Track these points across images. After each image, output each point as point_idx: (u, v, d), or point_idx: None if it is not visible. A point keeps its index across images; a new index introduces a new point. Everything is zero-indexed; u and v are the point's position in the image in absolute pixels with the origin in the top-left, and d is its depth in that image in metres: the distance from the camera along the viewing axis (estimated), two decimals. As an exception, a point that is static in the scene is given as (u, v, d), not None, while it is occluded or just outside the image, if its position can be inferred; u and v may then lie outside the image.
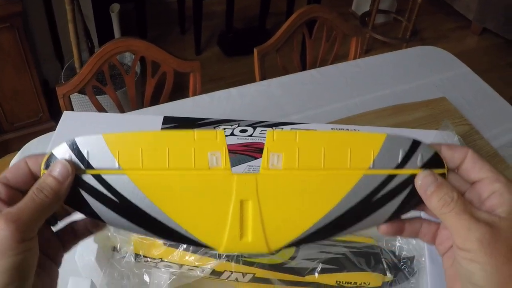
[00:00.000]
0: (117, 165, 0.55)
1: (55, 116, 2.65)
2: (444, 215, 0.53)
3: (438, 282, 0.91)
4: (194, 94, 1.82)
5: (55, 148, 0.54)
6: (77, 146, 0.54)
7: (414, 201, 0.57)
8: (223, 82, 3.34)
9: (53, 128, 1.30)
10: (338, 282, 0.92)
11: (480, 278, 0.51)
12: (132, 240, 0.87)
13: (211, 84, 3.28)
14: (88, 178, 0.54)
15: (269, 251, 0.57)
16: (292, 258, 0.90)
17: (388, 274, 0.95)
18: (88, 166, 0.55)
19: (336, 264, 0.92)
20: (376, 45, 3.88)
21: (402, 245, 1.00)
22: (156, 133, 0.56)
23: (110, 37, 2.94)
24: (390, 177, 0.56)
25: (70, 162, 0.54)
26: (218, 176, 0.56)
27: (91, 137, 0.55)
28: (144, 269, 0.90)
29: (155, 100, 1.81)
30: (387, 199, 0.56)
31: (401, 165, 0.56)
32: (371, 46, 3.88)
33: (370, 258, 0.95)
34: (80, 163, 0.54)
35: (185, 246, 0.86)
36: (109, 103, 2.35)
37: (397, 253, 0.99)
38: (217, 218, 0.56)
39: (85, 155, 0.55)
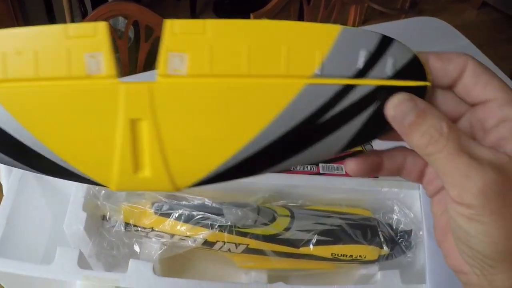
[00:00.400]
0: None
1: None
2: (431, 157, 0.39)
3: (436, 257, 0.88)
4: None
5: None
6: None
7: (382, 126, 0.42)
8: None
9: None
10: (333, 254, 0.90)
11: (482, 243, 0.38)
12: (122, 209, 0.85)
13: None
14: None
15: (175, 189, 0.43)
16: (287, 229, 0.88)
17: (385, 248, 0.93)
18: None
19: (331, 236, 0.90)
20: (374, 15, 3.83)
21: (400, 218, 0.97)
22: (20, 30, 0.39)
23: (103, 2, 2.91)
24: (346, 90, 0.40)
25: None
26: (100, 86, 0.40)
27: None
28: (134, 239, 0.88)
29: (149, 66, 1.78)
30: (341, 120, 0.41)
31: (362, 73, 0.40)
32: (369, 16, 3.83)
33: (366, 230, 0.93)
34: None
35: (176, 215, 0.84)
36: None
37: (394, 226, 0.97)
38: (103, 145, 0.41)
39: None
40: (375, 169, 0.45)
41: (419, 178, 0.46)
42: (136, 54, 1.85)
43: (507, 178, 0.37)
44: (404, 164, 0.46)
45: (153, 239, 0.87)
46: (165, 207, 0.85)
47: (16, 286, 0.87)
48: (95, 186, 0.81)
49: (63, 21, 2.53)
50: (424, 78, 0.41)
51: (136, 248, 0.87)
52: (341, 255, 0.90)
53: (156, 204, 0.85)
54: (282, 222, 0.88)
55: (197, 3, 3.57)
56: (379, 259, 0.93)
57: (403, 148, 0.46)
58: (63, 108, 0.40)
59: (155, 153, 0.41)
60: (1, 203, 0.88)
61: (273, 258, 0.88)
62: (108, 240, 0.86)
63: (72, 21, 2.33)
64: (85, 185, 0.84)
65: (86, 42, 0.39)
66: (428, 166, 0.45)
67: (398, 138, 0.42)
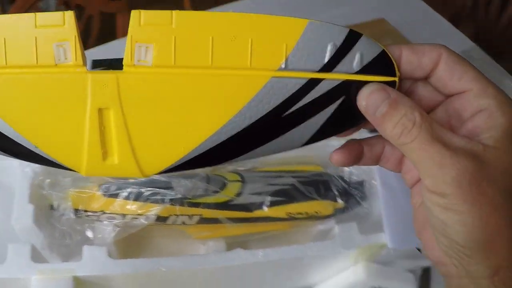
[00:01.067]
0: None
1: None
2: (405, 147, 0.40)
3: (391, 205, 0.89)
4: (124, 36, 1.76)
5: None
6: None
7: (348, 119, 0.44)
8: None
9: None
10: (288, 214, 0.90)
11: (458, 232, 0.38)
12: (69, 196, 0.83)
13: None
14: None
15: (143, 175, 0.46)
16: (239, 194, 0.88)
17: (339, 201, 0.93)
18: None
19: (284, 196, 0.90)
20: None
21: (352, 169, 0.98)
22: None
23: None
24: (312, 83, 0.42)
25: None
26: (68, 75, 0.42)
27: None
28: (86, 225, 0.86)
29: (84, 46, 1.76)
30: (306, 114, 0.43)
31: (328, 67, 0.41)
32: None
33: (319, 186, 0.93)
34: None
35: (125, 194, 0.83)
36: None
37: (346, 179, 0.97)
38: (72, 132, 0.43)
39: None
40: (356, 158, 0.47)
41: (398, 167, 0.48)
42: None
43: (481, 166, 0.38)
44: (383, 153, 0.47)
45: (105, 222, 0.85)
46: (113, 188, 0.84)
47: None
48: (39, 176, 0.80)
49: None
50: (393, 73, 0.42)
51: (89, 233, 0.86)
52: (296, 213, 0.90)
53: (103, 186, 0.84)
54: (233, 188, 0.88)
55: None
56: (335, 213, 0.94)
57: (381, 137, 0.45)
58: (32, 96, 0.42)
59: (122, 141, 0.44)
60: None
61: (228, 225, 0.88)
62: (59, 229, 0.84)
63: (2, 6, 2.27)
64: (28, 177, 0.83)
65: (54, 31, 0.40)
66: (405, 156, 0.45)
67: (373, 127, 0.43)
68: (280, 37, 0.40)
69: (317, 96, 0.42)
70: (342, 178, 0.96)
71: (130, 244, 0.90)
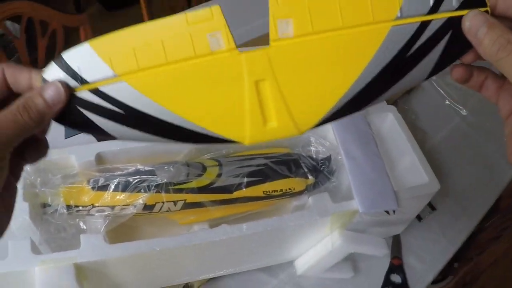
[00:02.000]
0: (112, 73, 0.49)
1: None
2: (501, 61, 0.46)
3: (358, 174, 0.96)
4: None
5: (45, 70, 0.50)
6: (66, 63, 0.49)
7: (457, 49, 0.51)
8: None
9: None
10: (265, 192, 0.96)
11: None
12: (61, 192, 0.88)
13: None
14: (86, 94, 0.50)
15: (299, 132, 0.53)
16: (219, 175, 0.94)
17: (310, 177, 1.00)
18: (83, 81, 0.50)
19: (260, 176, 0.96)
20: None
21: (318, 148, 1.04)
22: (145, 25, 0.49)
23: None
24: (424, 25, 0.49)
25: (64, 84, 0.49)
26: (224, 59, 0.49)
27: (78, 49, 0.49)
28: (77, 219, 0.91)
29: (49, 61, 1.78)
30: (424, 51, 0.50)
31: (434, 9, 0.49)
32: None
33: (290, 164, 1.00)
34: (74, 80, 0.49)
35: (113, 186, 0.88)
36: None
37: (314, 156, 1.04)
38: (234, 107, 0.51)
39: (77, 71, 0.49)
40: (468, 77, 0.53)
41: (495, 96, 0.54)
42: (34, 54, 1.84)
43: None
44: (485, 81, 0.53)
45: (96, 214, 0.90)
46: (101, 181, 0.88)
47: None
48: (31, 175, 0.84)
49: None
50: (485, 5, 0.49)
51: (82, 226, 0.90)
52: (272, 191, 0.97)
53: (92, 180, 0.89)
54: (212, 171, 0.94)
55: None
56: (307, 188, 1.01)
57: (487, 69, 0.53)
58: (195, 83, 0.50)
59: (279, 105, 0.51)
60: None
61: (211, 208, 0.94)
62: (54, 224, 0.89)
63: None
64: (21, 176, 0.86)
65: (205, 25, 0.48)
66: (503, 87, 0.53)
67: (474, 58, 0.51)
68: None
69: (430, 34, 0.49)
70: (310, 156, 1.03)
71: (119, 235, 0.95)
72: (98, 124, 0.51)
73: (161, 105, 0.50)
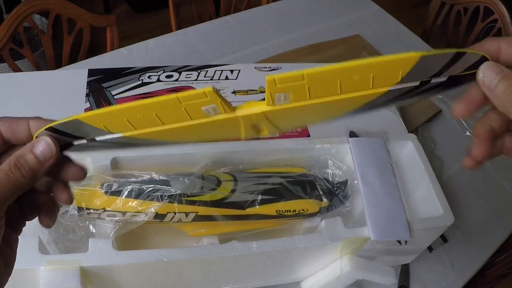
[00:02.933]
0: (109, 134, 0.51)
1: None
2: None
3: (373, 201, 0.95)
4: (112, 49, 1.80)
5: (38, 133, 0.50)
6: (58, 130, 0.49)
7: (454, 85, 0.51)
8: (136, 39, 3.24)
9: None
10: (278, 211, 0.95)
11: None
12: (73, 193, 0.87)
13: (123, 41, 3.21)
14: (82, 142, 0.51)
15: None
16: (233, 191, 0.93)
17: (324, 199, 0.99)
18: (77, 138, 0.51)
19: (274, 194, 0.96)
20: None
21: (334, 171, 1.04)
22: (135, 104, 0.48)
23: (16, 1, 2.86)
24: (424, 82, 0.49)
25: (55, 141, 0.49)
26: (222, 119, 0.51)
27: (68, 122, 0.49)
28: (87, 222, 0.90)
29: (73, 59, 1.79)
30: (417, 94, 0.51)
31: (437, 75, 0.49)
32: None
33: (305, 185, 0.99)
34: (67, 138, 0.51)
35: (126, 192, 0.87)
36: (28, 67, 2.29)
37: (330, 179, 1.03)
38: (229, 135, 0.57)
39: (71, 132, 0.50)
40: (477, 107, 0.51)
41: None
42: (59, 50, 1.85)
43: None
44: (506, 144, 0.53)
45: (106, 219, 0.89)
46: (114, 186, 0.88)
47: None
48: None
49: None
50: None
51: (92, 229, 0.90)
52: (285, 211, 0.96)
53: (105, 184, 0.88)
54: (227, 186, 0.93)
55: None
56: (321, 211, 1.00)
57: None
58: (193, 132, 0.53)
59: (271, 129, 0.55)
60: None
61: (222, 223, 0.93)
62: (64, 225, 0.88)
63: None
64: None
65: (200, 102, 0.48)
66: None
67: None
68: (397, 68, 0.46)
69: (428, 87, 0.50)
70: (326, 179, 1.02)
71: (128, 241, 0.94)
72: (100, 151, 0.55)
73: (161, 140, 0.54)
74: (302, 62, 1.56)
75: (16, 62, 1.76)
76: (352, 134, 1.10)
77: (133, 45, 1.65)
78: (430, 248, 1.18)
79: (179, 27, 1.90)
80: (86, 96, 1.13)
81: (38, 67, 1.82)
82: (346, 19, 1.84)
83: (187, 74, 1.21)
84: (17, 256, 0.79)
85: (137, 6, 3.59)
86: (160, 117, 0.49)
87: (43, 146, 0.48)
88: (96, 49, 2.00)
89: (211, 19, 1.89)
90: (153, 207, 0.88)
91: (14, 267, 0.79)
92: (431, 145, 1.43)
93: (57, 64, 1.86)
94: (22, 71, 1.79)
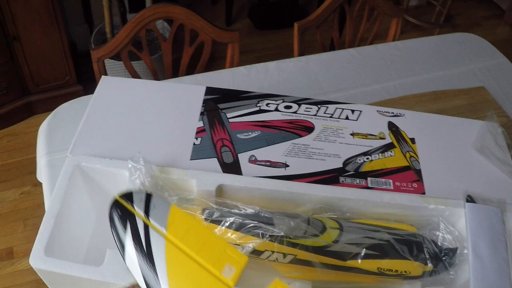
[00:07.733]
0: (164, 230, 0.72)
1: (81, 80, 2.63)
2: None
3: (481, 275, 0.89)
4: (231, 66, 1.79)
5: (135, 189, 0.74)
6: (149, 199, 0.75)
7: None
8: (253, 55, 3.27)
9: (79, 92, 1.26)
10: (379, 269, 0.90)
11: None
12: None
13: (241, 56, 3.25)
14: (139, 220, 0.73)
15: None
16: (336, 241, 0.88)
17: (429, 264, 0.93)
18: (146, 215, 0.72)
19: (379, 251, 0.90)
20: (408, 28, 3.82)
21: (445, 235, 0.98)
22: (204, 228, 0.75)
23: (141, 2, 2.92)
24: None
25: None
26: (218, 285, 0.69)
27: (164, 201, 0.74)
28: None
29: (190, 69, 1.79)
30: None
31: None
32: (403, 28, 3.82)
33: (412, 246, 0.93)
34: (142, 209, 0.74)
35: (227, 224, 0.84)
36: (142, 69, 2.33)
37: (439, 243, 0.97)
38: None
39: (150, 208, 0.74)
40: None
41: None
42: (174, 55, 1.86)
43: None
44: None
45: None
46: (216, 214, 0.85)
47: (60, 285, 0.87)
48: (147, 189, 0.83)
49: (100, 19, 2.58)
50: None
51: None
52: (387, 269, 0.90)
53: (207, 211, 0.86)
54: (331, 234, 0.89)
55: (233, 8, 3.57)
56: (423, 275, 0.93)
57: None
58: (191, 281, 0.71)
59: None
60: (50, 203, 0.88)
61: (319, 270, 0.88)
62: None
63: (111, 19, 2.36)
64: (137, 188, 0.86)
65: (233, 258, 0.66)
66: None
67: None
68: None
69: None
70: (435, 242, 0.96)
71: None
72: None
73: (164, 271, 0.72)
74: (423, 108, 1.50)
75: (132, 62, 1.77)
76: (469, 199, 1.04)
77: (253, 66, 1.63)
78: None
79: (301, 52, 1.88)
80: (200, 115, 1.11)
81: (154, 72, 1.82)
82: (472, 68, 1.76)
83: (306, 107, 1.17)
84: (105, 269, 0.78)
85: (259, 23, 3.61)
86: (201, 247, 0.72)
87: None
88: (213, 59, 2.00)
89: (332, 44, 1.85)
90: (253, 243, 0.84)
91: (99, 279, 0.78)
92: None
93: (174, 72, 1.86)
94: (136, 72, 1.81)
